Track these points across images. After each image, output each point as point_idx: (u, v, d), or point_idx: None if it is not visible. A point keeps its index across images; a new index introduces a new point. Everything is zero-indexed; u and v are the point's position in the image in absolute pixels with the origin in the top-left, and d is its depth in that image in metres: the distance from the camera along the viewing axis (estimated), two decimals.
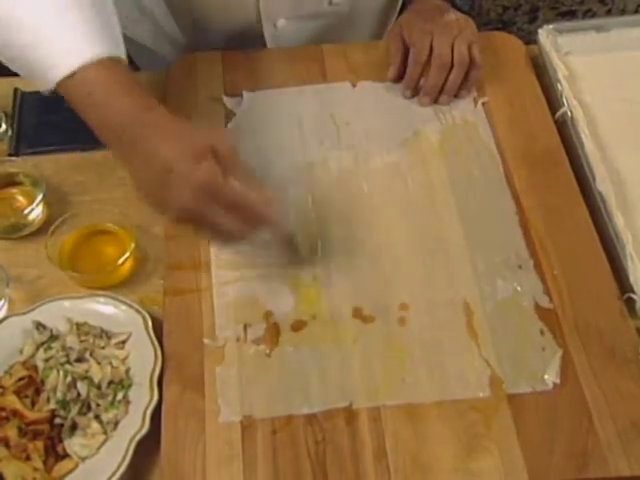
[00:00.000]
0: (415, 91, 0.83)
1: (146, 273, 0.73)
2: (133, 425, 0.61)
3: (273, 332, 0.67)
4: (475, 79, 0.83)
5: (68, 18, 0.59)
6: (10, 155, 0.81)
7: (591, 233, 0.73)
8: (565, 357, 0.65)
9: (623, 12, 1.60)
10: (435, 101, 0.83)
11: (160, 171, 0.58)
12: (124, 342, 0.67)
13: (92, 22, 0.60)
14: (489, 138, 0.80)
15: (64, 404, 0.63)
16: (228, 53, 0.87)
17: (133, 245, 0.71)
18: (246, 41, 0.91)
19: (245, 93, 0.84)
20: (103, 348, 0.66)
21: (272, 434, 0.62)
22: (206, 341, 0.66)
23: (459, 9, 0.85)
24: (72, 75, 0.58)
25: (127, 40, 0.64)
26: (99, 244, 0.74)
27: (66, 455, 0.61)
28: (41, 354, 0.66)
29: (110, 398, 0.64)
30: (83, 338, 0.67)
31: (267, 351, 0.66)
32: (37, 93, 0.86)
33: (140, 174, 0.61)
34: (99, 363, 0.65)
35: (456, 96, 0.83)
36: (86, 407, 0.63)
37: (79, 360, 0.65)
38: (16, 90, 0.86)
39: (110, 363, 0.65)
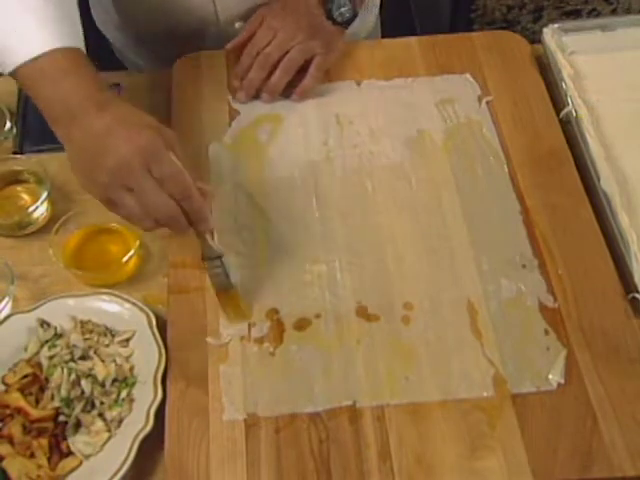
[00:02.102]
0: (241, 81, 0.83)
1: (150, 271, 0.73)
2: (137, 423, 0.61)
3: (277, 331, 0.67)
4: (304, 87, 0.82)
5: (35, 11, 0.60)
6: (15, 153, 0.81)
7: (596, 232, 0.73)
8: (569, 357, 0.65)
9: (628, 11, 1.60)
10: (256, 97, 0.82)
11: (100, 135, 0.58)
12: (128, 340, 0.67)
13: (56, 15, 0.61)
14: (493, 137, 0.80)
15: (68, 402, 0.63)
16: (233, 52, 0.87)
17: (137, 243, 0.72)
18: (205, 44, 0.91)
19: None
20: (107, 346, 0.66)
21: (276, 433, 0.62)
22: (210, 339, 0.66)
23: (333, 20, 0.84)
24: (31, 60, 0.59)
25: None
26: (103, 242, 0.74)
27: (70, 453, 0.62)
28: (45, 352, 0.66)
29: (114, 396, 0.64)
30: (87, 336, 0.67)
31: (271, 349, 0.66)
32: None
33: (77, 145, 0.60)
34: (103, 361, 0.65)
35: (287, 97, 0.82)
36: (90, 405, 0.63)
37: (83, 358, 0.66)
38: (21, 88, 0.86)
39: (114, 361, 0.65)
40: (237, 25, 0.90)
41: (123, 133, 0.58)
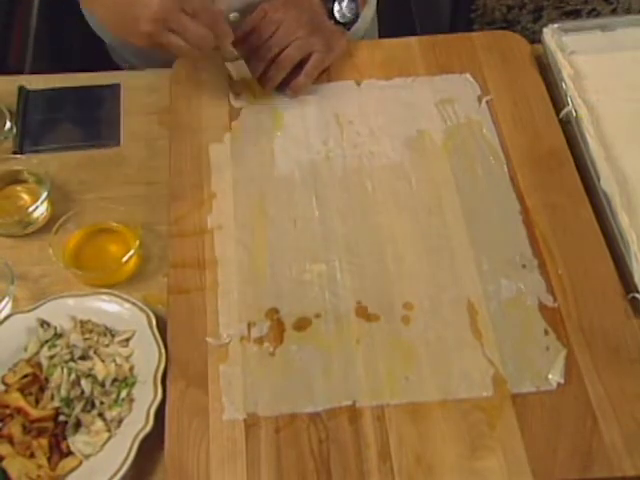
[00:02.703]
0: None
1: (150, 271, 0.73)
2: (137, 423, 0.61)
3: (277, 331, 0.67)
4: (297, 85, 0.82)
5: None
6: (15, 153, 0.81)
7: (595, 232, 0.73)
8: (569, 357, 0.65)
9: (628, 11, 1.60)
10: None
11: None
12: (128, 340, 0.67)
13: None
14: (493, 137, 0.80)
15: (68, 402, 0.63)
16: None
17: (137, 243, 0.71)
18: None
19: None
20: (107, 346, 0.66)
21: (276, 432, 0.62)
22: (209, 339, 0.66)
23: (335, 20, 0.84)
24: None
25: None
26: (103, 242, 0.74)
27: (70, 452, 0.62)
28: (45, 352, 0.66)
29: (114, 396, 0.64)
30: (87, 336, 0.67)
31: (271, 349, 0.66)
32: (42, 91, 0.86)
33: (109, 6, 0.71)
34: (103, 361, 0.65)
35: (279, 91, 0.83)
36: (90, 405, 0.63)
37: (83, 358, 0.66)
38: (21, 88, 0.86)
39: (114, 361, 0.65)
40: (232, 16, 0.90)
41: None
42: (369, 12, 1.03)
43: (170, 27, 0.69)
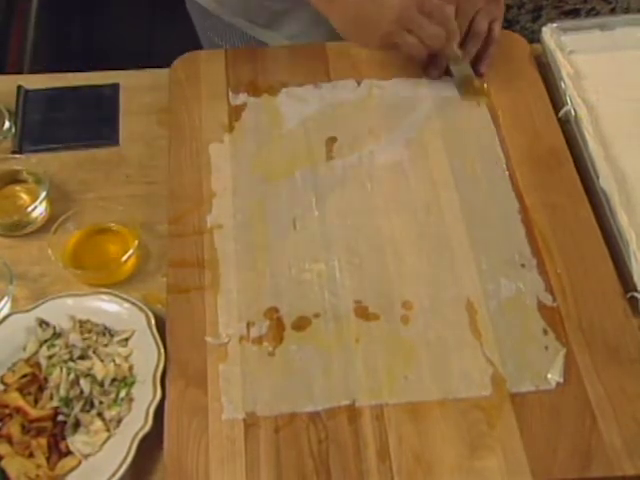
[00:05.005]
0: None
1: (149, 271, 0.73)
2: (136, 422, 0.61)
3: (276, 330, 0.67)
4: (490, 55, 0.83)
5: None
6: (14, 152, 0.81)
7: (595, 232, 0.73)
8: (568, 356, 0.65)
9: (627, 11, 1.60)
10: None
11: None
12: (127, 340, 0.67)
13: None
14: (493, 136, 0.80)
15: (67, 401, 0.63)
16: (231, 50, 0.87)
17: (136, 243, 0.71)
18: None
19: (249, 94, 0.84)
20: (106, 346, 0.66)
21: (275, 432, 0.62)
22: (208, 339, 0.66)
23: None
24: None
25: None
26: (102, 242, 0.74)
27: (69, 452, 0.62)
28: (44, 351, 0.66)
29: (113, 396, 0.64)
30: (86, 335, 0.67)
31: (270, 349, 0.66)
32: (41, 91, 0.86)
33: (350, 12, 0.76)
34: (102, 361, 0.65)
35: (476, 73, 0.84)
36: (89, 404, 0.63)
37: (82, 357, 0.66)
38: (20, 87, 0.86)
39: (113, 361, 0.65)
40: None
41: None
42: None
43: (408, 27, 0.74)
